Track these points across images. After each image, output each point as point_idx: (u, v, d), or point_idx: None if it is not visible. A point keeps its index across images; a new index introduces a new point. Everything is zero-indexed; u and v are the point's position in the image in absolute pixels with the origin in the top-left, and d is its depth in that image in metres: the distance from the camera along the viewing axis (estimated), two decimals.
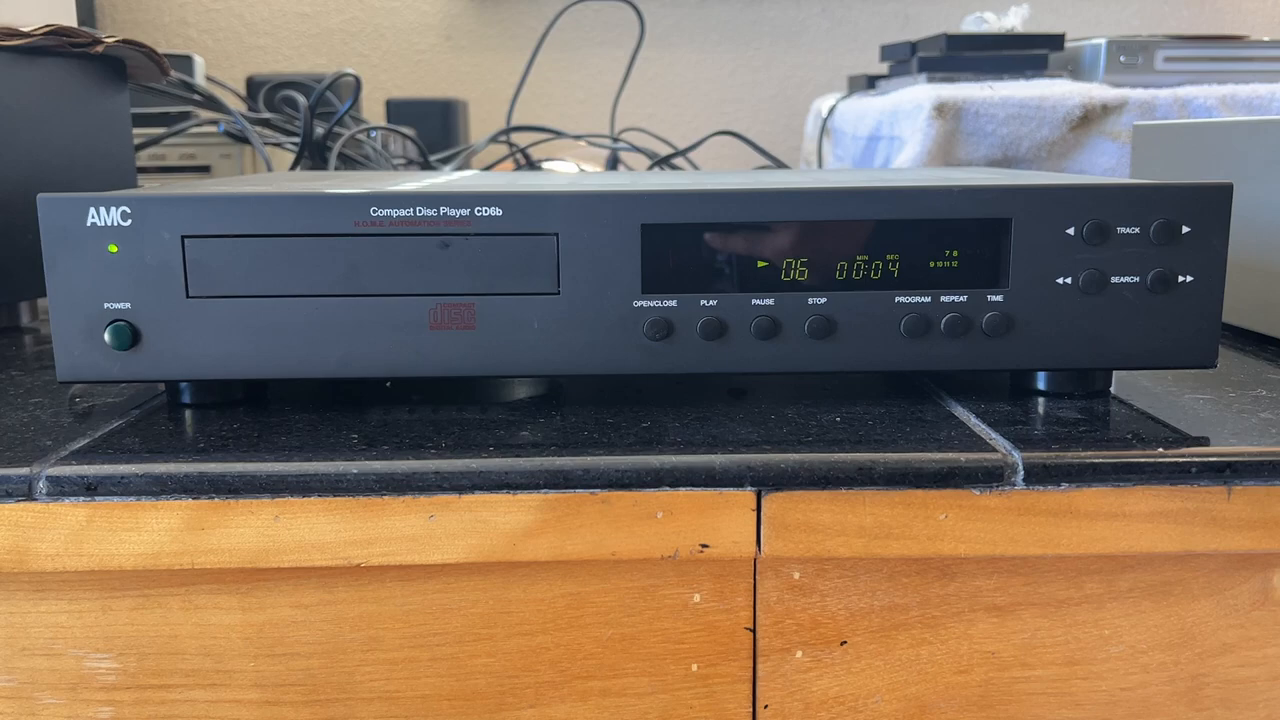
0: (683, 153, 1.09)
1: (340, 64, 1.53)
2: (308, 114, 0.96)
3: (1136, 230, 0.48)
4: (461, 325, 0.48)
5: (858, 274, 0.48)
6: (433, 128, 1.36)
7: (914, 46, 1.20)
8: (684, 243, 0.48)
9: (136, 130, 0.98)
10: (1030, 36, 1.19)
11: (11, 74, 0.68)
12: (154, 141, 0.95)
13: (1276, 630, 0.46)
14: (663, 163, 1.09)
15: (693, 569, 0.45)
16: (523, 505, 0.42)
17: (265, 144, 1.01)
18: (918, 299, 0.48)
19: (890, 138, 1.16)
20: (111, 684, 0.45)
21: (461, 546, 0.43)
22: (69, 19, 0.78)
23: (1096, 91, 1.09)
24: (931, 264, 0.48)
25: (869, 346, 0.49)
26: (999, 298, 0.48)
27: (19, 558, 0.42)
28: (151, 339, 0.48)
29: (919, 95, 1.09)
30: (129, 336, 0.48)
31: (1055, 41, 1.18)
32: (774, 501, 0.43)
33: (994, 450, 0.43)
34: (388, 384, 0.54)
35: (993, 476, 0.43)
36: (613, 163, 1.24)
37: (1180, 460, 0.43)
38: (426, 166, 1.10)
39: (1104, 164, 1.07)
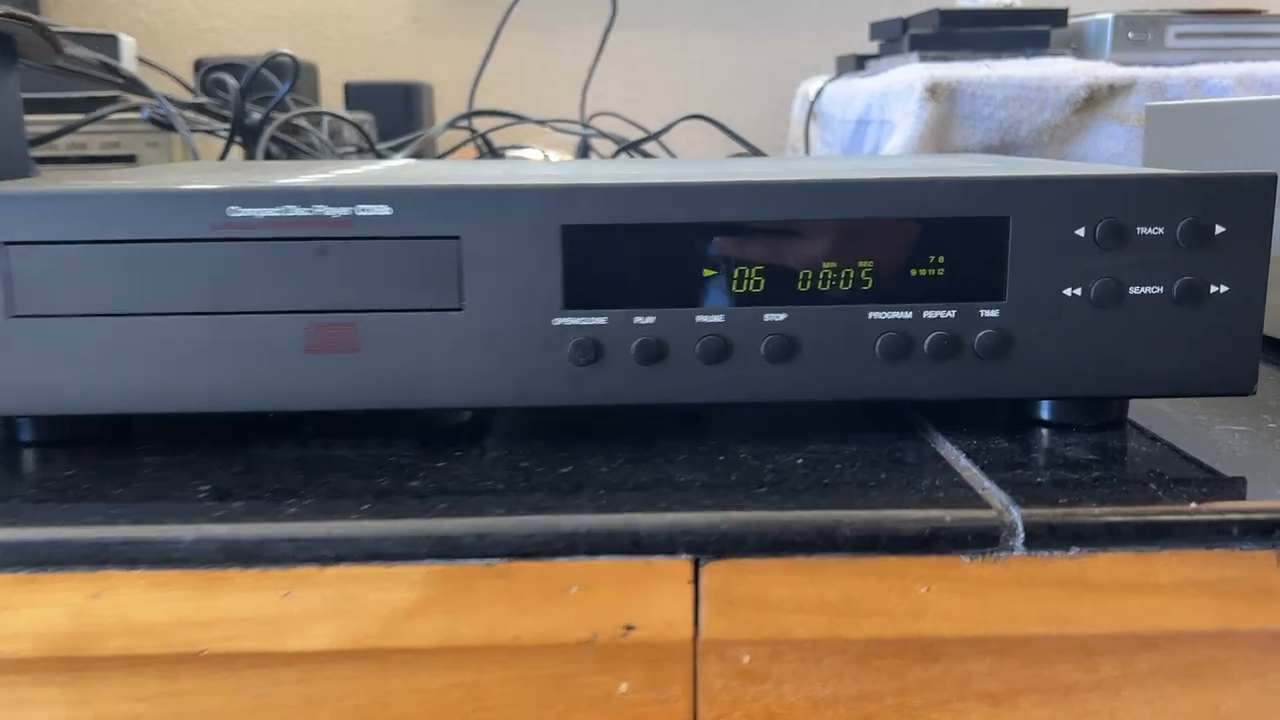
0: (653, 137, 1.00)
1: (301, 46, 1.44)
2: (238, 97, 0.87)
3: (1160, 231, 0.40)
4: (343, 348, 0.40)
5: (824, 285, 0.40)
6: (394, 113, 1.28)
7: (905, 23, 1.11)
8: (614, 248, 0.39)
9: (56, 116, 0.89)
10: (1031, 12, 1.10)
11: None
12: (70, 129, 0.86)
13: None
14: (631, 148, 1.00)
15: (617, 654, 0.36)
16: (401, 580, 0.34)
17: (198, 131, 0.93)
18: (896, 314, 0.40)
19: (880, 121, 1.07)
20: None
21: (325, 630, 0.34)
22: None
23: (1103, 71, 1.01)
24: (913, 272, 0.40)
25: (837, 371, 0.40)
26: (994, 313, 0.40)
27: None
28: None
29: (910, 75, 1.00)
30: None
31: (1058, 17, 1.10)
32: (715, 572, 0.34)
33: (988, 506, 0.35)
34: (270, 414, 0.45)
35: (986, 540, 0.34)
36: (583, 150, 1.15)
37: (1218, 519, 0.35)
38: (375, 154, 1.01)
39: (1111, 150, 0.98)
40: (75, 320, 0.39)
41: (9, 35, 0.69)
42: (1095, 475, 0.38)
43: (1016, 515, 0.35)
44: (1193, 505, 0.35)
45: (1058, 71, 0.99)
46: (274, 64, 0.96)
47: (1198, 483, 0.37)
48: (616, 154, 1.01)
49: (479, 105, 1.14)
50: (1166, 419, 0.44)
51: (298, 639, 0.34)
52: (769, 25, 1.52)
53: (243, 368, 0.40)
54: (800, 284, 0.40)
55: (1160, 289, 0.40)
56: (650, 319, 0.40)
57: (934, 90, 0.97)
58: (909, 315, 0.40)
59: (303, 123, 0.99)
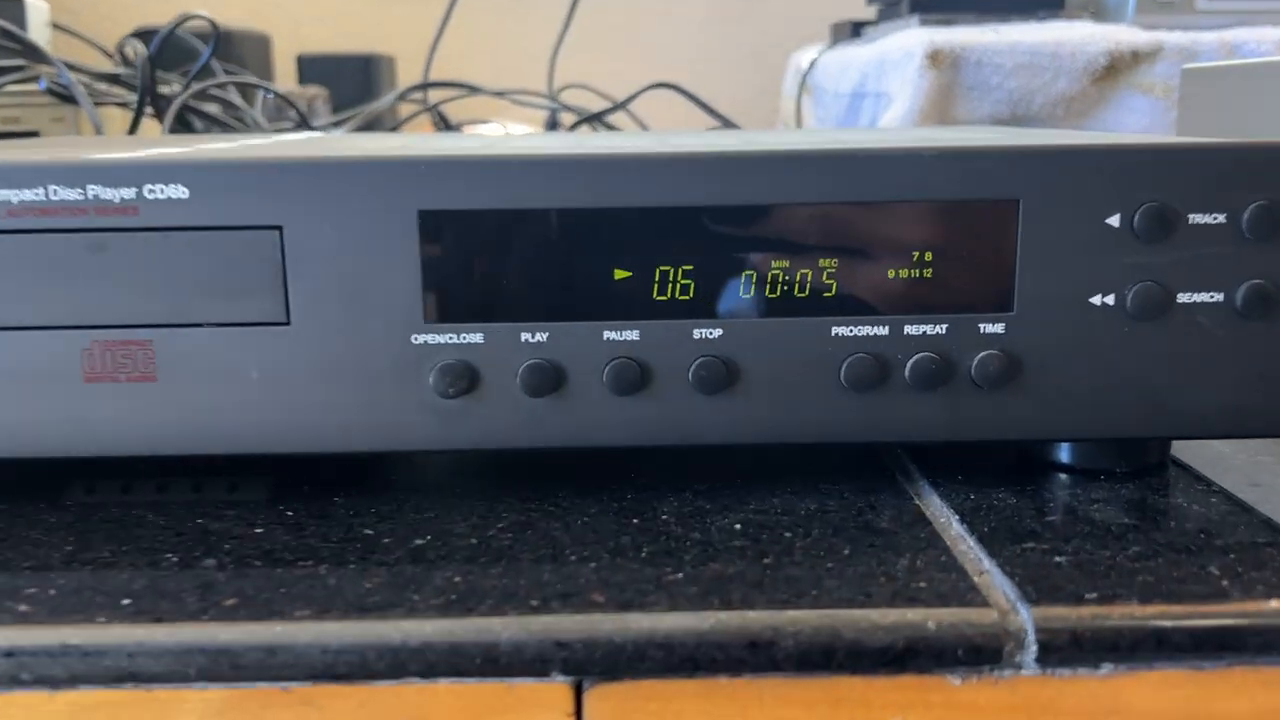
0: (618, 107, 0.90)
1: (253, 14, 1.34)
2: (146, 65, 0.77)
3: (1220, 219, 0.30)
4: (134, 374, 0.30)
5: (772, 291, 0.30)
6: (351, 86, 1.17)
7: None
8: (491, 241, 0.30)
9: None
10: None
11: None
12: None
13: None
14: (594, 120, 0.90)
15: None
16: (163, 709, 0.24)
17: (111, 104, 0.83)
18: (868, 330, 0.30)
19: (876, 94, 0.97)
20: None
21: None
22: None
23: (1125, 36, 0.90)
24: (890, 274, 0.30)
25: (790, 405, 0.30)
26: (998, 328, 0.30)
27: None
28: None
29: (909, 41, 0.90)
30: None
31: None
32: (606, 700, 0.25)
33: (986, 603, 0.25)
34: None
35: (984, 653, 0.25)
36: (551, 125, 1.05)
37: None
38: (307, 129, 0.91)
39: (1134, 124, 0.88)
40: None
41: None
42: (1134, 551, 0.28)
43: (1026, 617, 0.25)
44: (1275, 604, 0.25)
45: (1074, 36, 0.88)
46: (198, 31, 0.86)
47: (1273, 558, 0.27)
48: (576, 125, 0.91)
49: (441, 77, 1.04)
50: (1220, 459, 0.34)
51: None
52: None
53: (2, 400, 0.30)
54: (741, 290, 0.30)
55: (1218, 296, 0.30)
56: (542, 336, 0.30)
57: (935, 57, 0.86)
58: (884, 331, 0.30)
59: (233, 95, 0.89)
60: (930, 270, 0.30)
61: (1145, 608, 0.25)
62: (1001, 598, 0.25)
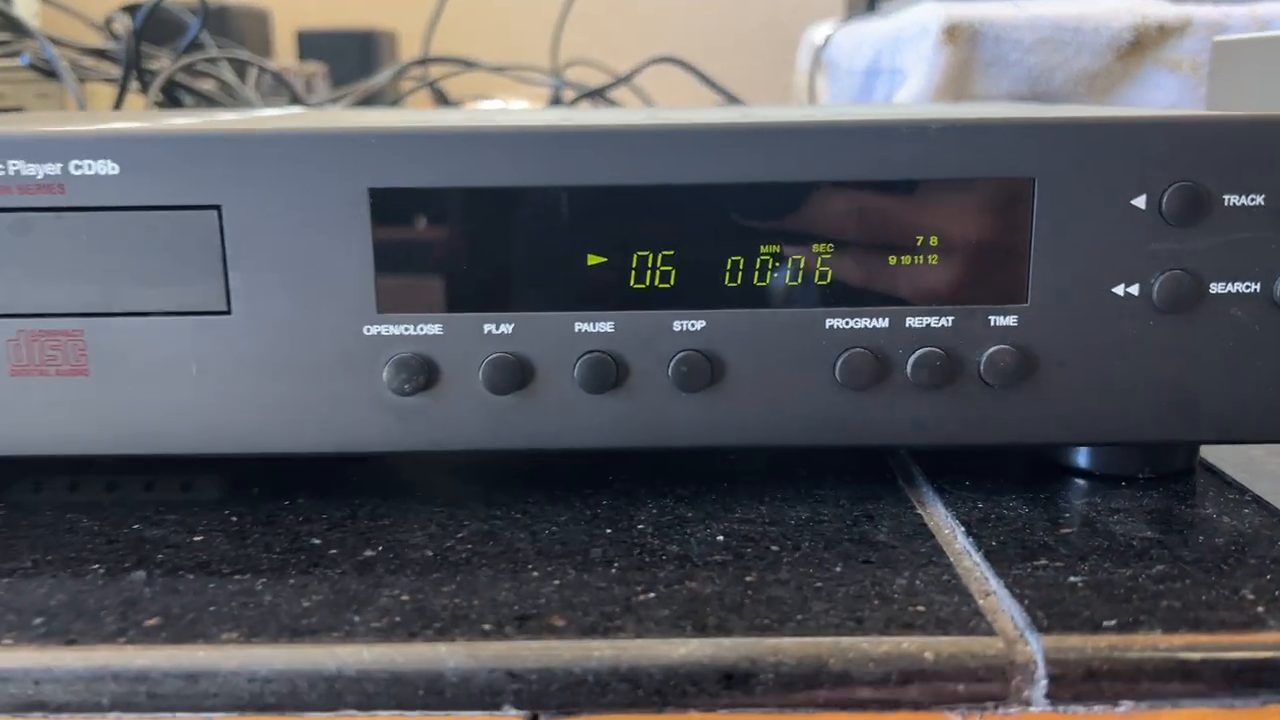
0: (620, 82, 0.87)
1: None
2: (131, 40, 0.74)
3: (1258, 200, 0.27)
4: (64, 368, 0.28)
5: (761, 279, 0.27)
6: (352, 62, 1.15)
7: None
8: (451, 223, 0.27)
9: None
10: None
11: None
12: None
13: None
14: (595, 95, 0.87)
15: None
16: None
17: (99, 80, 0.81)
18: (866, 323, 0.27)
19: (891, 71, 0.94)
20: None
21: None
22: None
23: (1152, 9, 0.86)
24: (892, 261, 0.27)
25: (779, 405, 0.28)
26: (1011, 320, 0.27)
27: None
28: None
29: (924, 16, 0.86)
30: None
31: None
32: None
33: (992, 631, 0.22)
34: None
35: (988, 688, 0.22)
36: (555, 102, 1.02)
37: None
38: (300, 106, 0.89)
39: (1160, 102, 0.84)
40: None
41: None
42: (1158, 570, 0.25)
43: (1036, 647, 0.22)
44: None
45: (1098, 10, 0.85)
46: (192, 6, 0.84)
47: None
48: (576, 101, 0.88)
49: (443, 52, 1.01)
50: (1253, 463, 0.32)
51: None
52: None
53: None
54: (726, 278, 0.27)
55: (1255, 286, 0.27)
56: (507, 328, 0.27)
57: (952, 32, 0.83)
58: (884, 324, 0.27)
59: (226, 72, 0.86)
60: (936, 256, 0.27)
61: (1170, 637, 0.22)
62: (1009, 624, 0.23)
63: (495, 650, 0.22)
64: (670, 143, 0.27)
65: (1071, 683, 0.22)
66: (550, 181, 0.27)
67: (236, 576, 0.25)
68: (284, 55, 1.20)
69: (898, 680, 0.22)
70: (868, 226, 0.27)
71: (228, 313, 0.27)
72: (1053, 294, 0.27)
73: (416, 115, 0.34)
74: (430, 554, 0.26)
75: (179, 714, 0.22)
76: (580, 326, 0.27)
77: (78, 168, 0.26)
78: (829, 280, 0.27)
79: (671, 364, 0.27)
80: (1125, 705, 0.22)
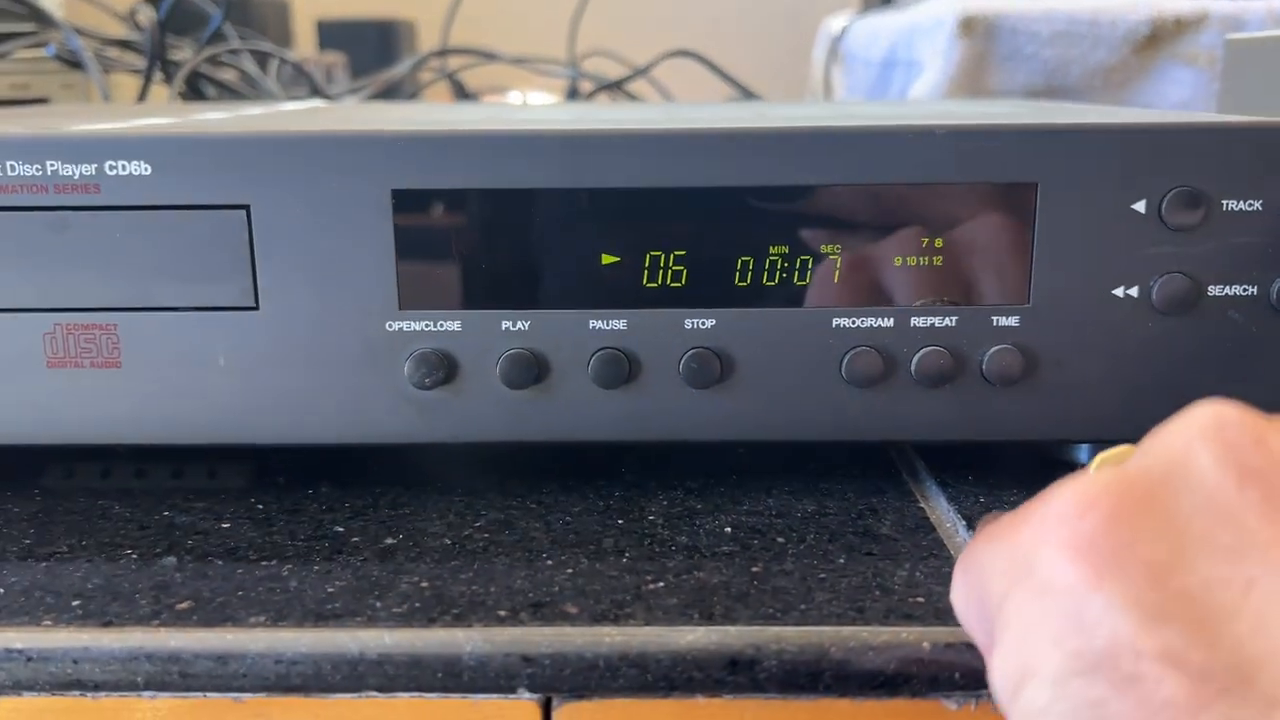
0: (637, 74, 0.88)
1: None
2: (155, 31, 0.76)
3: (1256, 206, 0.27)
4: (98, 360, 0.29)
5: (770, 279, 0.28)
6: (371, 52, 1.16)
7: None
8: (471, 223, 0.28)
9: None
10: None
11: None
12: None
13: None
14: (612, 88, 0.87)
15: None
16: (106, 718, 0.23)
17: (123, 71, 0.82)
18: (872, 322, 0.28)
19: (907, 63, 0.94)
20: None
21: None
22: None
23: (1168, 3, 0.86)
24: (897, 262, 0.28)
25: (787, 402, 0.29)
26: (1013, 320, 0.28)
27: None
28: None
29: (941, 9, 0.86)
30: None
31: None
32: (575, 719, 0.23)
33: None
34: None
35: (984, 677, 0.23)
36: (571, 94, 1.03)
37: None
38: (323, 98, 0.90)
39: (1177, 96, 0.84)
40: None
41: None
42: None
43: None
44: None
45: (1115, 4, 0.85)
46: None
47: None
48: (594, 93, 0.89)
49: (463, 43, 1.02)
50: None
51: None
52: None
53: None
54: (737, 278, 0.28)
55: (1252, 289, 0.28)
56: (523, 324, 0.28)
57: (968, 25, 0.83)
58: (890, 324, 0.28)
59: (248, 63, 0.87)
60: (940, 258, 0.28)
61: None
62: None
63: (511, 635, 0.23)
64: (683, 146, 0.28)
65: None
66: (567, 184, 0.28)
67: (263, 563, 0.26)
68: (304, 45, 1.21)
69: (895, 669, 0.23)
70: (875, 228, 0.28)
71: (255, 309, 0.28)
72: (1054, 295, 0.28)
73: (437, 115, 0.35)
74: (448, 542, 0.27)
75: (209, 694, 0.23)
76: (595, 324, 0.28)
77: (112, 168, 0.27)
78: (836, 280, 0.28)
79: (682, 361, 0.28)
80: None
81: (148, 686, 0.23)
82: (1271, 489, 0.16)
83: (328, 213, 0.28)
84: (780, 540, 0.27)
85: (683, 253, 0.28)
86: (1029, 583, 0.17)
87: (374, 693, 0.23)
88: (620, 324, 0.28)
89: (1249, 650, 0.14)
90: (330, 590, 0.25)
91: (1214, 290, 0.28)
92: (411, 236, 0.28)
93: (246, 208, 0.28)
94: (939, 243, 0.28)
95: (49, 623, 0.23)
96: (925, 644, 0.23)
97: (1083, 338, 0.28)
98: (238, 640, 0.23)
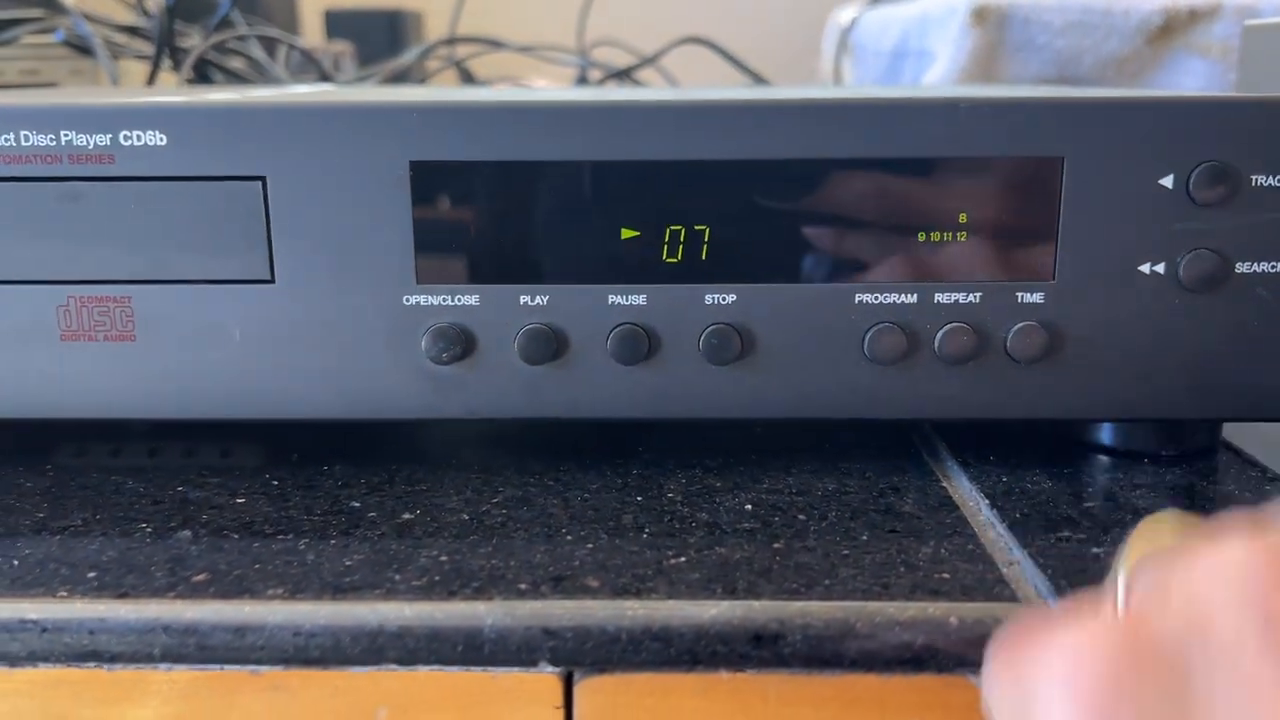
0: (646, 62, 0.87)
1: None
2: (164, 17, 0.75)
3: None
4: (112, 333, 0.28)
5: (791, 254, 0.28)
6: (378, 41, 1.15)
7: None
8: (489, 196, 0.28)
9: None
10: None
11: None
12: None
13: None
14: (622, 76, 0.87)
15: None
16: (128, 690, 0.23)
17: (131, 57, 0.82)
18: (895, 298, 0.28)
19: (918, 53, 0.94)
20: None
21: None
22: None
23: None
24: (920, 238, 0.28)
25: (808, 379, 0.28)
26: (1038, 297, 0.28)
27: None
28: None
29: None
30: None
31: None
32: (597, 693, 0.23)
33: (1014, 597, 0.23)
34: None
35: None
36: (580, 81, 1.02)
37: None
38: (329, 83, 0.89)
39: (1189, 86, 0.84)
40: None
41: None
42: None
43: None
44: None
45: None
46: None
47: None
48: (604, 81, 0.89)
49: (470, 32, 1.01)
50: (1277, 444, 0.32)
51: None
52: None
53: None
54: (757, 252, 0.28)
55: None
56: (542, 299, 0.28)
57: (980, 14, 0.83)
58: (914, 300, 0.28)
59: (256, 50, 0.87)
60: (964, 233, 0.28)
61: None
62: (1032, 592, 0.23)
63: (532, 609, 0.23)
64: (703, 118, 0.27)
65: None
66: (586, 156, 0.27)
67: (280, 537, 0.26)
68: (311, 34, 1.21)
69: (922, 644, 0.22)
70: (897, 203, 0.28)
71: (271, 282, 0.28)
72: (1079, 272, 0.27)
73: (456, 91, 0.35)
74: (466, 518, 0.27)
75: (226, 666, 0.23)
76: (614, 299, 0.28)
77: (127, 138, 0.27)
78: (859, 256, 0.28)
79: (702, 337, 0.28)
80: None
81: (164, 658, 0.23)
82: None
83: (345, 185, 0.27)
84: (802, 518, 0.27)
85: (703, 227, 0.28)
86: None
87: (393, 665, 0.23)
88: (640, 299, 0.28)
89: None
90: (348, 564, 0.24)
91: (1242, 267, 0.27)
92: (429, 209, 0.27)
93: (263, 179, 0.27)
94: (962, 218, 0.28)
95: (64, 594, 0.23)
96: (953, 619, 0.22)
97: (1108, 315, 0.28)
98: (255, 612, 0.23)
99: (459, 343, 0.28)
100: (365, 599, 0.23)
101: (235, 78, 0.85)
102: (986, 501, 0.28)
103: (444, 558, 0.25)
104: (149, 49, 0.84)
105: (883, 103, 0.27)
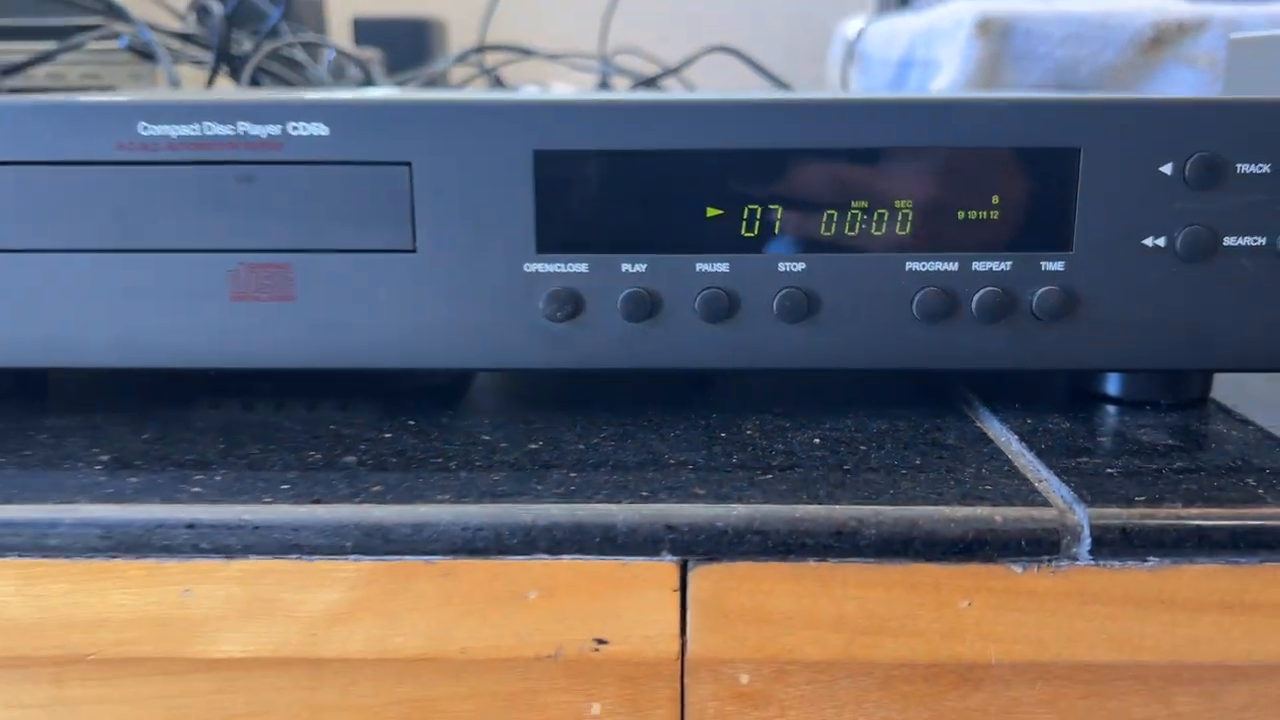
0: (672, 71, 0.93)
1: None
2: (223, 24, 0.80)
3: (1265, 169, 0.32)
4: (275, 294, 0.33)
5: (851, 229, 0.33)
6: (405, 50, 1.20)
7: None
8: (598, 179, 0.33)
9: (33, 45, 0.83)
10: None
11: None
12: (43, 58, 0.80)
13: None
14: (649, 84, 0.92)
15: (589, 671, 0.30)
16: (324, 577, 0.28)
17: (185, 62, 0.87)
18: (939, 266, 0.33)
19: (925, 62, 0.99)
20: None
21: (236, 635, 0.28)
22: None
23: (1172, 7, 0.92)
24: (960, 215, 0.33)
25: (866, 334, 0.33)
26: (1058, 266, 0.33)
27: None
28: None
29: (960, 11, 0.91)
30: None
31: None
32: (707, 577, 0.28)
33: (1046, 503, 0.28)
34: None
35: (1043, 545, 0.28)
36: (602, 87, 1.08)
37: None
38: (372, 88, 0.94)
39: (1179, 94, 0.89)
40: None
41: None
42: (1178, 466, 0.31)
43: (1082, 515, 0.28)
44: None
45: (1123, 7, 0.90)
46: None
47: None
48: (633, 88, 0.94)
49: (491, 39, 1.06)
50: (1258, 398, 0.37)
51: (202, 643, 0.28)
52: None
53: (156, 316, 0.33)
54: (823, 227, 0.33)
55: (1261, 240, 0.33)
56: (641, 266, 0.33)
57: (986, 26, 0.88)
58: (954, 268, 0.33)
59: (299, 55, 0.92)
60: (997, 212, 0.33)
61: (1189, 509, 0.28)
62: (1059, 500, 0.28)
63: (655, 509, 0.28)
64: (778, 114, 0.32)
65: (1110, 543, 0.28)
66: (678, 146, 0.33)
67: (431, 460, 0.31)
68: (339, 41, 1.25)
69: (972, 538, 0.28)
70: (942, 186, 0.33)
71: (413, 251, 0.33)
72: (1093, 244, 0.33)
73: (567, 91, 0.40)
74: (582, 448, 0.32)
75: (405, 557, 0.28)
76: (701, 266, 0.33)
77: (294, 129, 0.32)
78: (909, 230, 0.33)
79: (776, 299, 0.33)
80: (1152, 561, 0.28)
81: (355, 551, 0.28)
82: None
83: (478, 169, 0.32)
84: (863, 448, 0.32)
85: (776, 207, 0.33)
86: None
87: (543, 555, 0.28)
88: (723, 267, 0.33)
89: None
90: (495, 479, 0.29)
91: (1229, 241, 0.33)
92: (549, 190, 0.33)
93: (409, 164, 0.32)
94: (996, 199, 0.33)
95: (269, 499, 0.28)
96: (997, 518, 0.28)
97: (1117, 280, 0.33)
98: (430, 512, 0.28)
99: (570, 303, 0.33)
100: (521, 500, 0.28)
101: (281, 81, 0.90)
102: (1015, 437, 0.33)
103: (573, 474, 0.30)
104: (201, 54, 0.89)
105: (935, 102, 0.32)
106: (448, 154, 0.32)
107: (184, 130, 0.32)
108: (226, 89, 0.84)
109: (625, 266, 0.33)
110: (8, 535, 0.28)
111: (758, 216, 0.33)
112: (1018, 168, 0.33)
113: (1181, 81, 0.91)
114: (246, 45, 0.87)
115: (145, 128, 0.32)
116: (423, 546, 0.28)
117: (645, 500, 0.28)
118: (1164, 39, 0.90)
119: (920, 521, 0.28)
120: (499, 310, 0.33)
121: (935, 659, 0.29)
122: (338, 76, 1.02)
